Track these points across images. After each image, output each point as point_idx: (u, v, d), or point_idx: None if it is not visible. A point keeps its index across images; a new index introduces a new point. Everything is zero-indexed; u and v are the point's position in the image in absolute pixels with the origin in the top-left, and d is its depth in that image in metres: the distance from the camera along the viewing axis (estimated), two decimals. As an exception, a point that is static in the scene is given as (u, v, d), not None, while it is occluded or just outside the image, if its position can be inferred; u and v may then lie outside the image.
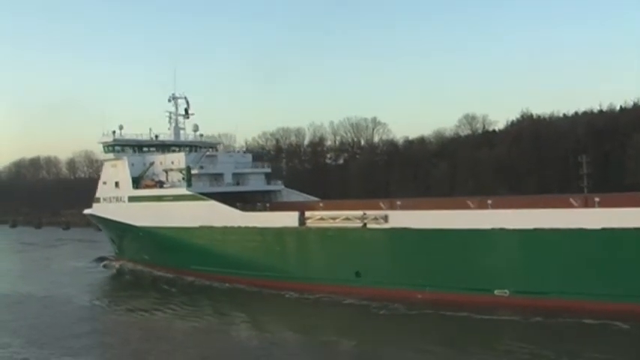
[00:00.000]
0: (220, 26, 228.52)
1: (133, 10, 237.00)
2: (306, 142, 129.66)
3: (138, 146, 58.11)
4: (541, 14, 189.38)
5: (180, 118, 58.75)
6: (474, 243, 39.05)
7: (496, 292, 38.37)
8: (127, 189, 56.67)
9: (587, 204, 39.01)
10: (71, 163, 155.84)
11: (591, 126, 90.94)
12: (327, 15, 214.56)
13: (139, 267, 57.04)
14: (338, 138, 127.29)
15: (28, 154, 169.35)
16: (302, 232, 45.61)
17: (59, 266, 62.18)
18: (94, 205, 62.06)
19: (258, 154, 66.52)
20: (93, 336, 34.69)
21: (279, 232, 46.47)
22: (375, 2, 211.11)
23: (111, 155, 58.30)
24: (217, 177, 54.58)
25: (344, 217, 44.03)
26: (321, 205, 49.62)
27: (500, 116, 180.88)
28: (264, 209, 51.63)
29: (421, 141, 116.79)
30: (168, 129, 59.34)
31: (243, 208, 50.94)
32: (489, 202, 42.17)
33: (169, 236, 52.80)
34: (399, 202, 45.65)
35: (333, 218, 44.54)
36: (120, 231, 59.44)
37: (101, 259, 62.55)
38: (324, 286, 43.21)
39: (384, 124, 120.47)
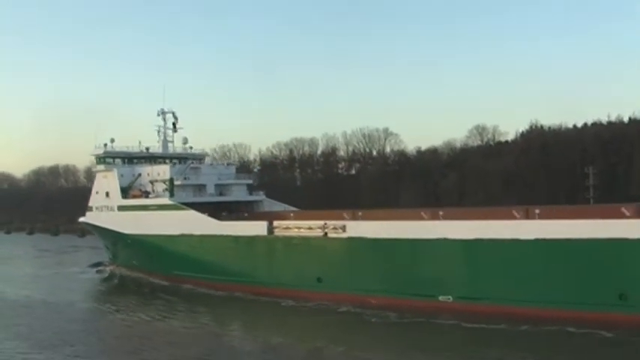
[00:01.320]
0: (231, 36, 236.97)
1: (152, 24, 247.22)
2: (319, 152, 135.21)
3: (128, 158, 64.42)
4: (550, 24, 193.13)
5: (169, 132, 64.94)
6: (421, 252, 43.50)
7: (440, 298, 42.66)
8: (117, 198, 62.95)
9: (528, 216, 43.13)
10: (89, 172, 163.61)
11: (598, 137, 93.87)
12: (339, 27, 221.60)
13: (130, 272, 63.10)
14: (350, 148, 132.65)
15: (48, 162, 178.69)
16: (270, 240, 50.84)
17: (66, 272, 68.04)
18: (88, 213, 68.70)
19: (240, 167, 71.77)
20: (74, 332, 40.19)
21: (250, 240, 51.79)
22: (387, 14, 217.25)
23: (102, 167, 64.86)
24: (201, 187, 60.40)
25: (307, 226, 49.09)
26: (291, 215, 54.79)
27: (510, 127, 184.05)
28: (243, 218, 57.05)
29: (431, 151, 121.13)
30: (158, 142, 65.57)
31: (220, 218, 56.57)
32: (441, 213, 46.65)
33: (154, 243, 58.73)
34: (360, 213, 50.45)
35: (298, 227, 49.64)
36: (112, 238, 65.83)
37: (97, 264, 69.06)
38: (290, 291, 48.19)
39: (396, 134, 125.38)
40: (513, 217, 43.20)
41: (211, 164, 65.59)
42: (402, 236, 44.28)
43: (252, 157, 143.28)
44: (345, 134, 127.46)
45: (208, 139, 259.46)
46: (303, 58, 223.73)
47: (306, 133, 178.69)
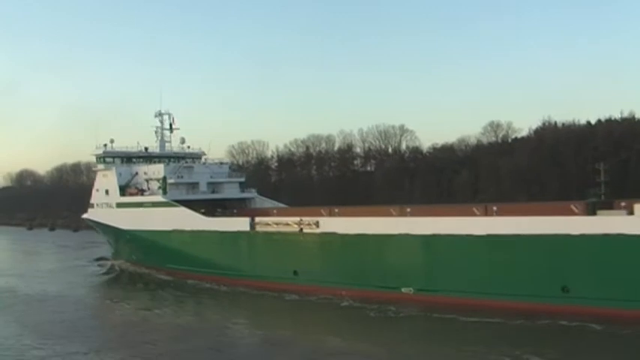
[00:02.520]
0: (245, 34, 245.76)
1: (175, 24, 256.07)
2: (335, 148, 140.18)
3: (126, 157, 70.58)
4: (564, 21, 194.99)
5: (166, 132, 70.95)
6: (385, 246, 48.10)
7: (403, 289, 47.15)
8: (115, 196, 69.12)
9: (486, 213, 47.27)
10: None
11: (610, 133, 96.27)
12: (354, 24, 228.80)
13: (130, 266, 69.31)
14: (366, 145, 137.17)
15: (70, 159, 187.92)
16: (252, 235, 56.12)
17: (75, 265, 74.22)
18: (89, 210, 75.30)
19: (233, 166, 77.23)
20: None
21: (234, 236, 57.17)
22: (401, 11, 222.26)
23: (102, 166, 71.20)
24: (194, 185, 66.11)
25: (285, 222, 54.18)
26: (274, 211, 59.99)
27: (524, 124, 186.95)
28: (231, 215, 62.44)
29: (445, 148, 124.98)
30: (155, 142, 71.64)
31: (215, 214, 62.15)
32: (408, 210, 51.09)
33: (149, 238, 64.72)
34: (336, 210, 55.26)
35: (277, 223, 54.77)
36: (112, 234, 72.22)
37: (100, 258, 75.67)
38: (269, 283, 53.41)
39: (412, 131, 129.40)
40: (474, 214, 47.43)
41: (204, 163, 70.83)
42: (369, 232, 48.95)
43: (269, 154, 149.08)
44: (361, 131, 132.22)
45: (227, 136, 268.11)
46: (321, 57, 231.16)
47: (324, 130, 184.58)
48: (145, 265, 66.69)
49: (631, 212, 40.86)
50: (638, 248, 38.31)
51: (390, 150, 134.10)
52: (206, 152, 72.75)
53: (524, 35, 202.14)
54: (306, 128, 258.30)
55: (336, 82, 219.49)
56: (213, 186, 67.58)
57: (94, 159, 72.85)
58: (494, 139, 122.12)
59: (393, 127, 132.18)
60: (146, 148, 71.23)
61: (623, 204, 43.12)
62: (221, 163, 71.67)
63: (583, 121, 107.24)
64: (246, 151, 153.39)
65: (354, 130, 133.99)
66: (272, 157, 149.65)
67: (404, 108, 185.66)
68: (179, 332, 40.36)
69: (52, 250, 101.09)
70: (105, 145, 69.93)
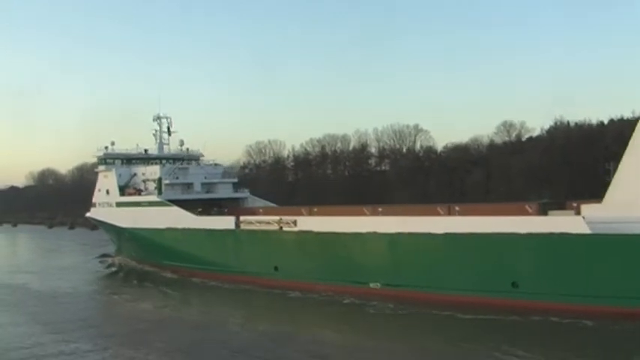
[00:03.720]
0: (260, 34, 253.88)
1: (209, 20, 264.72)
2: (350, 148, 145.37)
3: (126, 159, 76.98)
4: (576, 21, 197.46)
5: (165, 135, 77.22)
6: (356, 244, 53.08)
7: (371, 284, 52.00)
8: (115, 196, 75.47)
9: (449, 212, 51.84)
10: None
11: (621, 133, 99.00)
12: (372, 25, 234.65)
13: (129, 262, 75.64)
14: (381, 144, 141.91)
15: (91, 159, 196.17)
16: (237, 233, 61.63)
17: (83, 262, 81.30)
18: (92, 209, 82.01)
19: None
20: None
21: (221, 233, 62.83)
22: (415, 11, 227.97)
23: (103, 167, 77.67)
24: (189, 186, 72.09)
25: (266, 221, 59.58)
26: (260, 210, 65.51)
27: (537, 123, 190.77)
28: (221, 214, 68.09)
29: (458, 148, 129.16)
30: (155, 144, 77.91)
31: (205, 213, 68.02)
32: (380, 209, 56.00)
33: (145, 236, 70.84)
34: (315, 209, 60.40)
35: (259, 222, 60.21)
36: (113, 232, 78.75)
37: (104, 255, 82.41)
38: (253, 278, 58.88)
39: (426, 131, 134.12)
40: (438, 214, 52.05)
41: (199, 164, 76.75)
42: (341, 230, 53.99)
43: (286, 154, 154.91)
44: (376, 130, 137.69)
45: (244, 136, 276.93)
46: (338, 57, 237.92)
47: (340, 130, 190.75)
48: (143, 262, 72.95)
49: (579, 212, 45.09)
50: (580, 246, 42.56)
51: (404, 149, 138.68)
52: (203, 153, 78.45)
53: (538, 35, 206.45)
54: (323, 128, 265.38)
55: (353, 82, 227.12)
56: (208, 186, 73.48)
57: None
58: (507, 138, 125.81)
59: (408, 126, 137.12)
60: (146, 150, 77.50)
61: (574, 204, 47.21)
62: (215, 165, 77.39)
63: (595, 121, 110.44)
64: (263, 151, 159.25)
65: (369, 129, 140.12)
66: (288, 156, 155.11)
67: (419, 108, 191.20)
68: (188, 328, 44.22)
69: (69, 247, 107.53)
70: (106, 148, 76.54)
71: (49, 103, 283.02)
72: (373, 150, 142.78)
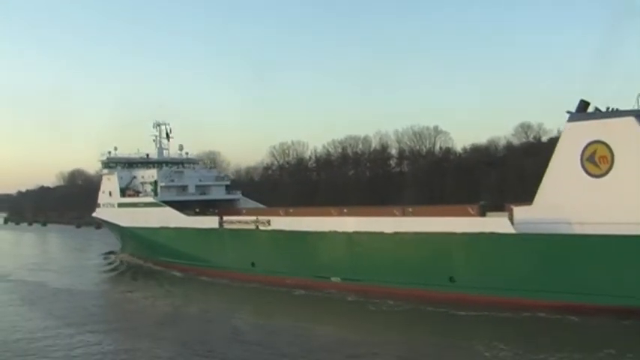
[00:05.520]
0: (288, 36, 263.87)
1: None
2: (371, 149, 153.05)
3: (128, 163, 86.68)
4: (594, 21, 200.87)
5: (164, 141, 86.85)
6: (319, 242, 60.92)
7: (332, 279, 59.73)
8: (117, 197, 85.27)
9: (404, 213, 59.22)
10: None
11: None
12: (391, 28, 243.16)
13: (131, 259, 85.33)
14: (401, 145, 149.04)
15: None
16: (220, 232, 70.31)
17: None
18: (97, 209, 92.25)
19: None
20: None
21: (206, 232, 71.65)
22: (435, 14, 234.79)
23: (106, 170, 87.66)
24: (184, 188, 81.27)
25: (245, 221, 68.06)
26: (243, 211, 74.11)
27: (555, 125, 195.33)
28: (211, 214, 76.84)
29: (476, 149, 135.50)
30: (156, 148, 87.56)
31: (201, 214, 77.02)
32: (345, 210, 63.81)
33: (142, 234, 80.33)
34: (291, 210, 68.56)
35: (239, 222, 68.74)
36: (116, 230, 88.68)
37: (109, 252, 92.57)
38: (233, 273, 67.39)
39: (446, 132, 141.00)
40: (393, 215, 59.50)
41: (194, 168, 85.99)
42: (307, 229, 61.98)
43: (308, 155, 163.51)
44: (396, 132, 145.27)
45: (270, 137, 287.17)
46: (359, 60, 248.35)
47: (361, 131, 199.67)
48: (142, 258, 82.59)
49: (512, 214, 51.96)
50: (505, 245, 49.46)
51: (424, 151, 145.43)
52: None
53: (560, 36, 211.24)
54: (345, 129, 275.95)
55: (374, 84, 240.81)
56: (202, 188, 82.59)
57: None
58: (524, 140, 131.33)
59: (428, 127, 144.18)
60: (147, 155, 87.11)
61: (512, 207, 53.98)
62: (210, 168, 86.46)
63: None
64: (287, 152, 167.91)
65: (389, 130, 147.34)
66: (310, 157, 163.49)
67: (439, 109, 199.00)
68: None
69: (94, 247, 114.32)
70: (109, 152, 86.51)
71: (80, 104, 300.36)
72: (393, 151, 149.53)
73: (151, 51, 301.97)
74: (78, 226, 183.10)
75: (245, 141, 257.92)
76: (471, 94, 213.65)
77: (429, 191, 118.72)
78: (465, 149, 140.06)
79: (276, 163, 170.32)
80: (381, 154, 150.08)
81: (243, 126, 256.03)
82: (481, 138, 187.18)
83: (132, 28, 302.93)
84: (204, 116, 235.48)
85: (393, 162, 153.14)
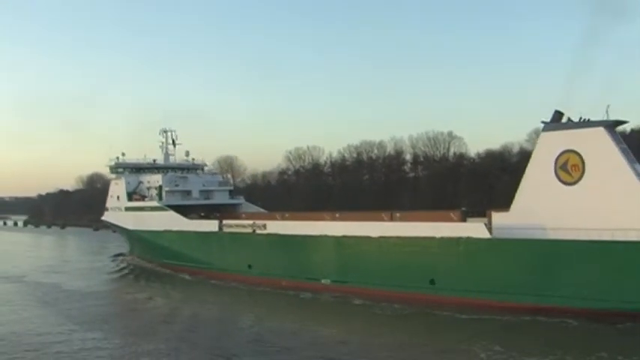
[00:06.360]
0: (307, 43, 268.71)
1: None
2: (385, 154, 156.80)
3: (135, 168, 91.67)
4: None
5: (170, 147, 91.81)
6: (310, 245, 64.91)
7: (322, 281, 63.61)
8: (124, 201, 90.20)
9: (392, 218, 62.95)
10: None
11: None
12: (410, 34, 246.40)
13: (138, 261, 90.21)
14: (416, 151, 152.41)
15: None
16: (219, 235, 74.73)
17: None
18: (105, 213, 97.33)
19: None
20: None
21: (207, 235, 76.14)
22: (452, 20, 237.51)
23: (114, 175, 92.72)
24: (188, 193, 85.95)
25: (243, 224, 72.40)
26: (243, 215, 78.47)
27: None
28: (215, 218, 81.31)
29: (490, 155, 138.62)
30: (163, 154, 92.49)
31: (206, 218, 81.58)
32: (337, 215, 67.72)
33: (148, 237, 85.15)
34: (287, 215, 72.71)
35: (237, 225, 73.10)
36: (124, 233, 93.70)
37: (119, 254, 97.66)
38: (231, 275, 71.66)
39: (460, 137, 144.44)
40: (382, 220, 63.26)
41: (198, 174, 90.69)
42: (299, 233, 66.00)
43: (323, 160, 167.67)
44: (411, 137, 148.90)
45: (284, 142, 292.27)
46: (374, 64, 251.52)
47: (377, 137, 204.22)
48: (148, 260, 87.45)
49: (490, 220, 55.45)
50: (480, 249, 52.98)
51: (438, 156, 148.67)
52: (207, 164, 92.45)
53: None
54: (360, 134, 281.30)
55: (389, 88, 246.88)
56: (206, 193, 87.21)
57: None
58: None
59: (442, 133, 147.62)
60: (154, 160, 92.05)
61: (491, 212, 57.41)
62: (213, 174, 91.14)
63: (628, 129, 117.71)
64: (302, 157, 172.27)
65: (404, 136, 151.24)
66: (325, 162, 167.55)
67: (453, 115, 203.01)
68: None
69: (109, 249, 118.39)
70: (117, 158, 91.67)
71: (100, 109, 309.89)
72: (408, 156, 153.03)
73: (168, 59, 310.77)
74: (95, 229, 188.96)
75: (262, 146, 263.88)
76: (485, 100, 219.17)
77: (442, 196, 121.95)
78: (478, 154, 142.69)
79: (291, 167, 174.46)
80: (395, 159, 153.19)
81: (261, 131, 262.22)
82: (495, 143, 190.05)
83: (149, 38, 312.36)
84: (222, 122, 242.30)
85: (407, 167, 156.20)
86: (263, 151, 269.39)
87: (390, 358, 39.37)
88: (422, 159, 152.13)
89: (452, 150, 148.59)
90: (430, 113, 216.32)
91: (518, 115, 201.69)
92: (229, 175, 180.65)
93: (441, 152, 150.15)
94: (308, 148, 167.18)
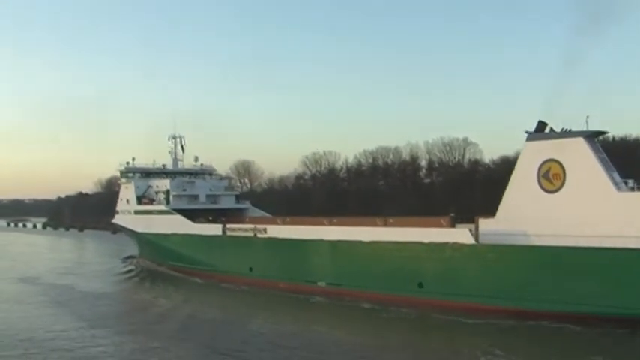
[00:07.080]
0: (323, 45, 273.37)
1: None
2: (401, 160, 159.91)
3: (145, 173, 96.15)
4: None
5: (179, 152, 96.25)
6: (308, 249, 68.36)
7: (318, 283, 67.10)
8: (133, 205, 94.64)
9: (385, 224, 66.29)
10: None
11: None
12: (426, 40, 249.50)
13: (148, 263, 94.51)
14: (431, 157, 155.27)
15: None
16: (223, 238, 78.71)
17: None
18: (116, 216, 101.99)
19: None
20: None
21: (211, 239, 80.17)
22: (467, 26, 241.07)
23: (124, 180, 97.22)
24: (195, 197, 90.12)
25: (244, 228, 76.26)
26: (247, 219, 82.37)
27: None
28: (220, 222, 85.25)
29: (504, 161, 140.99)
30: (171, 159, 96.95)
31: (213, 222, 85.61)
32: (334, 220, 71.23)
33: (155, 240, 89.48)
34: (287, 219, 76.43)
35: (239, 229, 76.99)
36: (134, 236, 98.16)
37: (129, 257, 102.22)
38: (233, 277, 75.47)
39: (475, 144, 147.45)
40: (376, 225, 66.64)
41: (204, 179, 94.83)
42: (296, 237, 69.65)
43: (339, 166, 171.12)
44: (427, 143, 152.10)
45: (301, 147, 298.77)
46: (391, 71, 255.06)
47: (393, 142, 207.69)
48: (156, 262, 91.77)
49: (477, 226, 58.53)
50: (465, 253, 56.06)
51: (453, 162, 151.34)
52: (216, 168, 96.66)
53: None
54: (377, 140, 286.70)
55: (406, 95, 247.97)
56: (212, 198, 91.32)
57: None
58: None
59: (457, 139, 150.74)
60: (164, 165, 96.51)
61: (480, 219, 60.41)
62: (220, 179, 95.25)
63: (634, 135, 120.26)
64: (319, 162, 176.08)
65: (420, 142, 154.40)
66: (341, 168, 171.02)
67: (468, 120, 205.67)
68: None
69: (125, 252, 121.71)
70: (127, 163, 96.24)
71: (120, 114, 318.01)
72: (423, 162, 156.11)
73: (185, 66, 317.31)
74: (113, 232, 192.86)
75: (279, 151, 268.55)
76: (500, 106, 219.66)
77: (456, 202, 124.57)
78: (492, 161, 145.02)
79: (308, 172, 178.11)
80: (411, 165, 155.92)
81: (278, 136, 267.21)
82: (510, 150, 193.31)
83: (168, 47, 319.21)
84: (239, 127, 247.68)
85: (422, 173, 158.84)
86: (280, 155, 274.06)
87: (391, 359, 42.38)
88: (437, 165, 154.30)
89: (467, 156, 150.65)
90: (445, 118, 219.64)
91: (531, 121, 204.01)
92: (246, 180, 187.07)
93: (457, 158, 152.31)
94: (324, 153, 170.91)
